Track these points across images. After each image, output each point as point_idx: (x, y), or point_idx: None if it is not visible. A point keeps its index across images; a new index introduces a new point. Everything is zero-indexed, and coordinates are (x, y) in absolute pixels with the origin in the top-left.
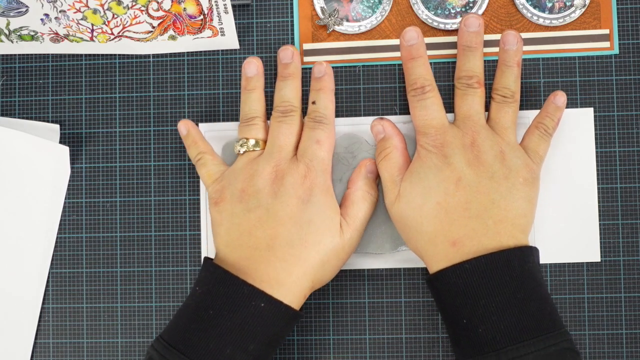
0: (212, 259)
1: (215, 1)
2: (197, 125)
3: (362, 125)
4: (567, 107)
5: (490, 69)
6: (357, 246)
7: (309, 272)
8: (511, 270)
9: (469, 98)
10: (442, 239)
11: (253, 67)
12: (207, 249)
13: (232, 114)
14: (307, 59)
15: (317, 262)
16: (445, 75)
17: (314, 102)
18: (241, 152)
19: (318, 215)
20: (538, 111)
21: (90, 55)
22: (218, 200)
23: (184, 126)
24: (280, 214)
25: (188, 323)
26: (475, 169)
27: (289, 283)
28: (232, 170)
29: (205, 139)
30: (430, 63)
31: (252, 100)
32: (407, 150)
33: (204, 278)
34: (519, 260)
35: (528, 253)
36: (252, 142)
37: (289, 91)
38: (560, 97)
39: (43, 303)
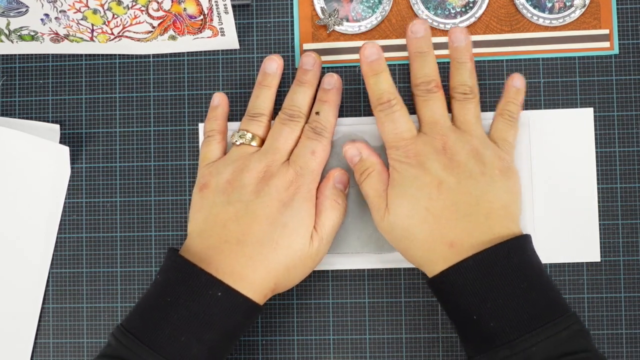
0: (176, 249)
1: (215, 1)
2: (200, 122)
3: (362, 125)
4: (567, 107)
5: (493, 69)
6: (324, 256)
7: (273, 274)
8: (511, 262)
9: (431, 103)
10: (438, 243)
11: (274, 65)
12: None
13: (231, 114)
14: None
15: (283, 266)
16: (447, 76)
17: (317, 113)
18: (237, 143)
19: (294, 220)
20: (539, 111)
21: (90, 55)
22: (203, 186)
23: (219, 99)
24: (257, 213)
25: (146, 310)
26: (452, 171)
27: (252, 279)
28: (224, 160)
29: (226, 122)
30: None
31: (264, 97)
32: (386, 166)
33: (165, 266)
34: (517, 250)
35: (524, 242)
36: (249, 136)
37: (301, 97)
38: (517, 79)
39: (43, 303)
